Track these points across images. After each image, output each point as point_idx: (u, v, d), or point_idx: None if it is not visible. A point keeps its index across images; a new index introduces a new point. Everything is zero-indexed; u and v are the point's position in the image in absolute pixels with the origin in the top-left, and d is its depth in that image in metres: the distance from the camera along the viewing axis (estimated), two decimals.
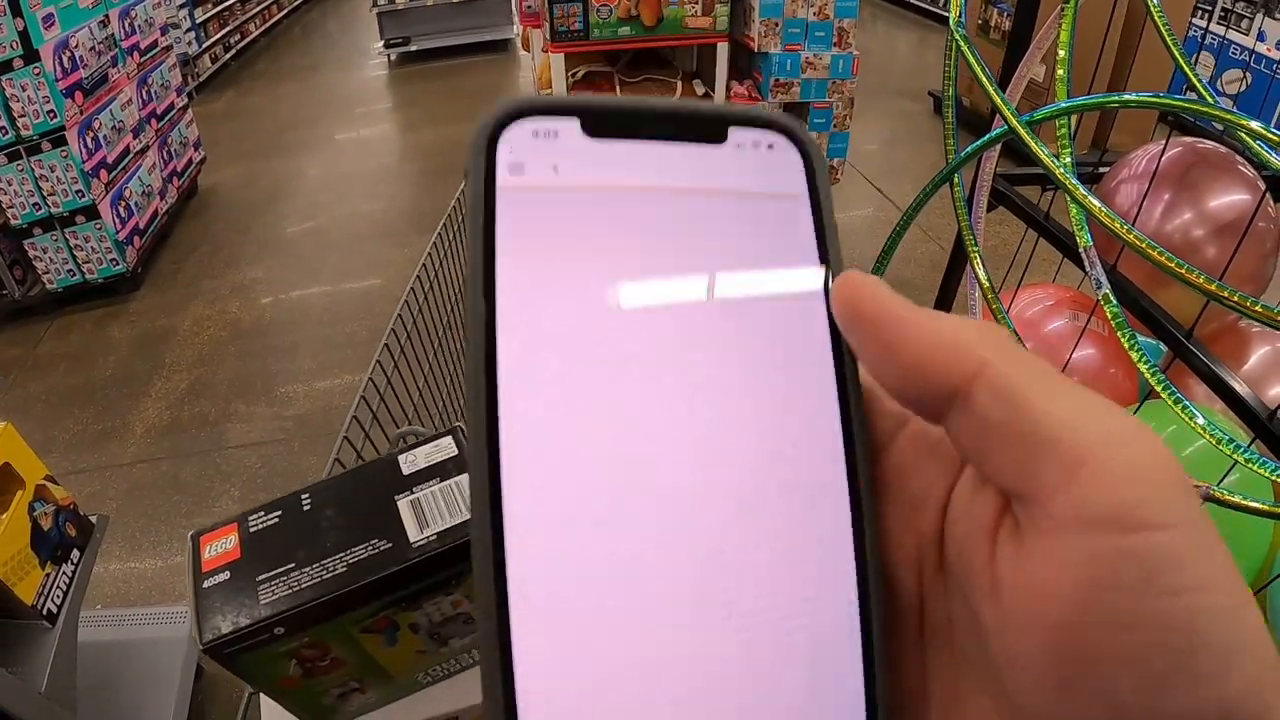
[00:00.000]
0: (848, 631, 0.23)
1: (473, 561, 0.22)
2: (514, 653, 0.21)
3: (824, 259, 0.26)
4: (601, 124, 0.24)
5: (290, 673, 0.62)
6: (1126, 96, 1.22)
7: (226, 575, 0.59)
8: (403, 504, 0.59)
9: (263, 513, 0.61)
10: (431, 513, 0.58)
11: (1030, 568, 0.20)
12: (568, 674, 0.21)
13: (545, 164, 0.24)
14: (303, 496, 0.61)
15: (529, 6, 3.95)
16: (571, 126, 0.24)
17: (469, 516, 0.54)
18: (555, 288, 0.23)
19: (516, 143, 0.24)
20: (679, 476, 0.23)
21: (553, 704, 0.21)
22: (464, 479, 0.60)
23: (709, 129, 0.26)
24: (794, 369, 0.25)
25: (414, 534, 0.57)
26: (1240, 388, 1.20)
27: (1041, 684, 0.19)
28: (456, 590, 0.60)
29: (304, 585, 0.56)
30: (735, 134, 0.26)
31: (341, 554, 0.57)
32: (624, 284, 0.24)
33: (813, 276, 0.26)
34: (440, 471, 0.60)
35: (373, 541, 0.57)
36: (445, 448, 0.62)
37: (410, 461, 0.61)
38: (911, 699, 0.24)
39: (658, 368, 0.23)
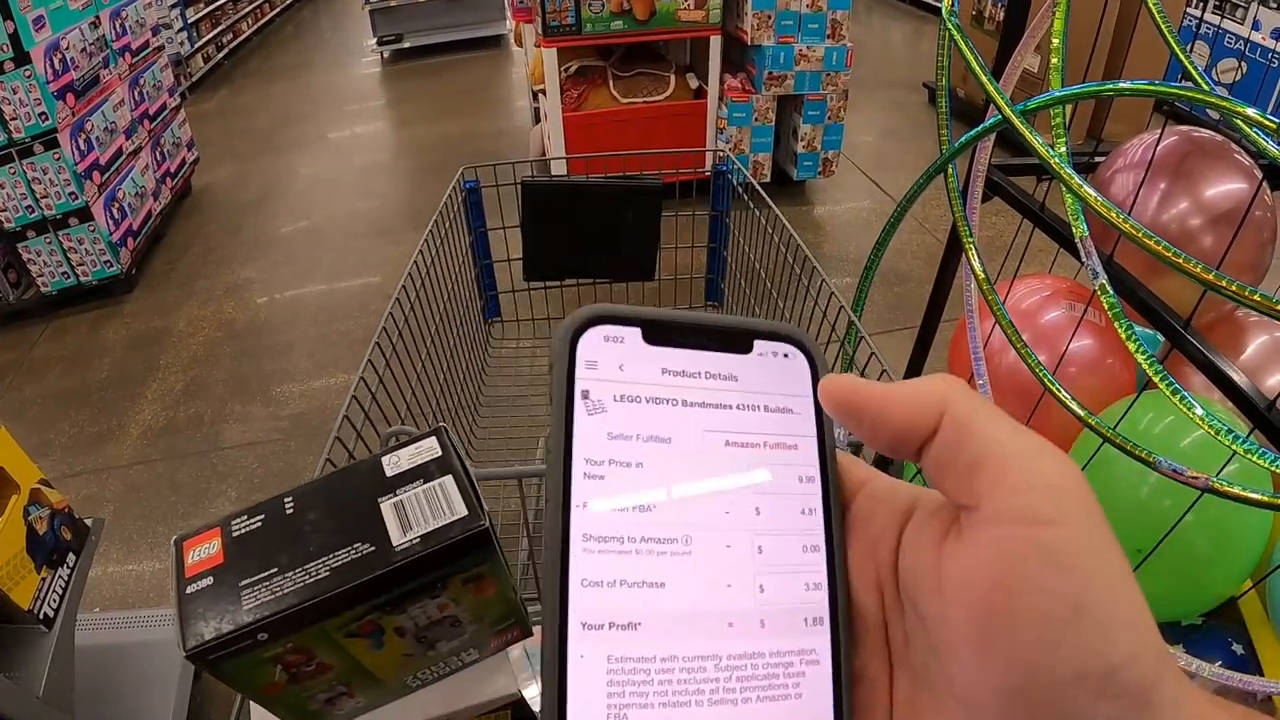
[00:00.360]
0: (825, 650, 0.30)
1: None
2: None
3: (819, 432, 0.33)
4: (657, 333, 0.31)
5: (275, 678, 0.61)
6: (1121, 84, 1.21)
7: (210, 581, 0.58)
8: (386, 506, 0.58)
9: (245, 517, 0.60)
10: (415, 515, 0.57)
11: (963, 556, 0.26)
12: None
13: (613, 363, 0.30)
14: (285, 500, 0.60)
15: (521, 2, 3.95)
16: (634, 333, 0.31)
17: (454, 519, 0.53)
18: (619, 456, 0.29)
19: (592, 344, 0.30)
20: (714, 566, 0.30)
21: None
22: (447, 480, 0.59)
23: (739, 340, 0.33)
24: (794, 484, 0.32)
25: (397, 537, 0.56)
26: (1238, 377, 1.19)
27: (968, 652, 0.25)
28: (442, 594, 0.59)
29: (287, 590, 0.55)
30: (759, 345, 0.33)
31: (324, 558, 0.56)
32: (674, 453, 0.30)
33: (810, 439, 0.33)
34: (423, 473, 0.59)
35: (355, 545, 0.56)
36: (429, 449, 0.60)
37: (394, 463, 0.60)
38: (878, 711, 0.30)
39: (699, 498, 0.30)
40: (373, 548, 0.56)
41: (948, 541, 0.27)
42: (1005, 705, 0.24)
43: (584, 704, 0.26)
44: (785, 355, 0.33)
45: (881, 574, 0.31)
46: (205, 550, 0.60)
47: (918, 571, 0.28)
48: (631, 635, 0.27)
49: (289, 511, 0.59)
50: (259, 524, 0.60)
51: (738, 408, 0.32)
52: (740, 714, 0.28)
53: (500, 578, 0.61)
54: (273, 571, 0.56)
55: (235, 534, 0.60)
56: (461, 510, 0.57)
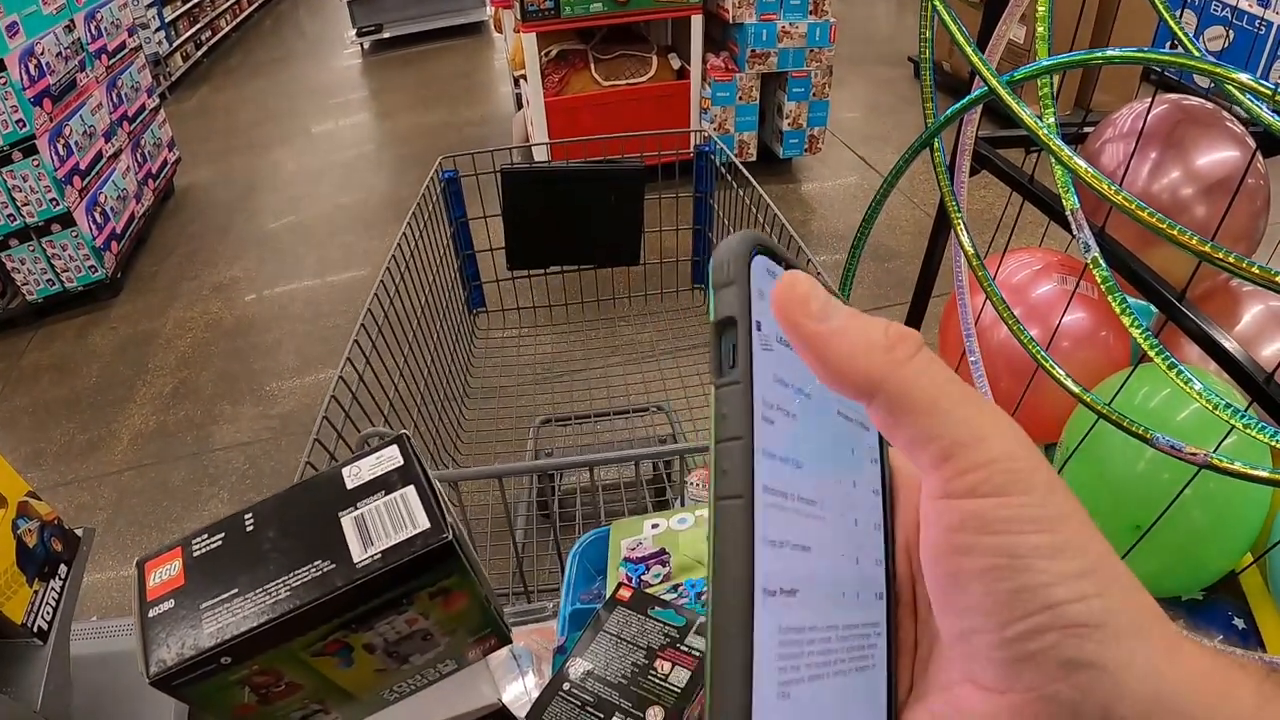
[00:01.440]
0: (883, 622, 0.31)
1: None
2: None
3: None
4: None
5: (245, 700, 0.58)
6: (1110, 52, 1.17)
7: (171, 604, 0.55)
8: (346, 521, 0.55)
9: (206, 535, 0.58)
10: (375, 530, 0.54)
11: (926, 518, 0.27)
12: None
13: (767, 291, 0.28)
14: (245, 517, 0.57)
15: None
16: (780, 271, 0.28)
17: (415, 533, 0.50)
18: (781, 403, 0.27)
19: (759, 274, 0.27)
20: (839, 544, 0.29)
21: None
22: (409, 491, 0.56)
23: None
24: (870, 464, 0.33)
25: (358, 554, 0.53)
26: (1235, 349, 1.17)
27: (939, 601, 0.28)
28: (409, 608, 0.56)
29: (248, 612, 0.53)
30: None
31: (284, 577, 0.53)
32: (813, 410, 0.29)
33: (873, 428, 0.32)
34: (385, 484, 0.56)
35: (315, 563, 0.53)
36: (389, 458, 0.58)
37: (354, 474, 0.57)
38: (908, 662, 0.32)
39: (831, 463, 0.30)
40: (333, 565, 0.53)
41: (925, 504, 0.28)
42: (966, 644, 0.27)
43: (766, 681, 0.24)
44: None
45: (910, 542, 0.33)
46: (167, 571, 0.57)
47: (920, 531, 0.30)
48: (790, 602, 0.26)
49: (249, 529, 0.57)
50: (219, 543, 0.57)
51: None
52: (850, 684, 0.28)
53: (470, 588, 0.58)
54: (233, 593, 0.54)
55: (196, 554, 0.57)
56: (424, 523, 0.54)
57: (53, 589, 1.62)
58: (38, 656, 1.54)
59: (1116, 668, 0.25)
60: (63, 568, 1.66)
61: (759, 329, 0.27)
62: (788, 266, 0.29)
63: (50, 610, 1.61)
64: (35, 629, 1.53)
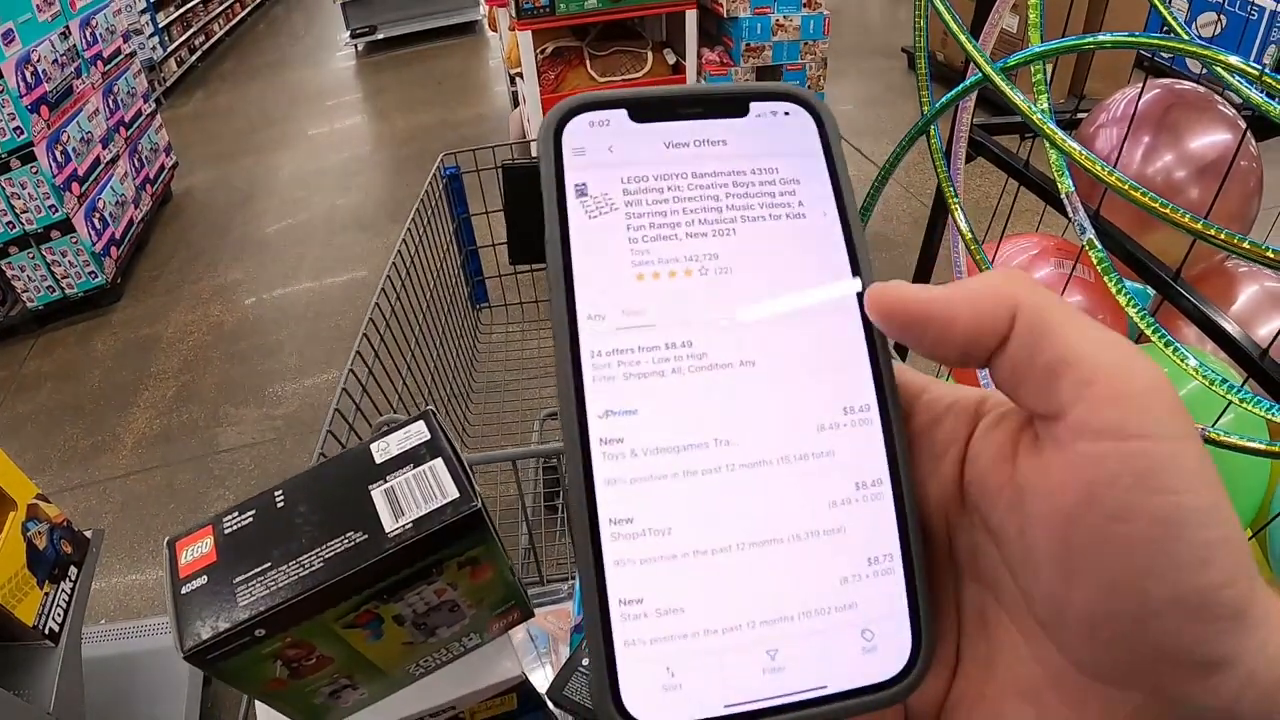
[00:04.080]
0: (896, 555, 0.28)
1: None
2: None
3: (841, 210, 0.30)
4: (644, 111, 0.29)
5: (277, 674, 0.60)
6: (1102, 37, 1.19)
7: (204, 580, 0.57)
8: (377, 493, 0.57)
9: (237, 513, 0.60)
10: (406, 501, 0.56)
11: (1046, 471, 0.24)
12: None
13: (602, 145, 0.29)
14: (276, 494, 0.59)
15: None
16: (620, 115, 0.29)
17: (445, 502, 0.52)
18: (617, 244, 0.28)
19: (577, 132, 0.29)
20: (739, 429, 0.27)
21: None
22: (437, 463, 0.58)
23: (733, 106, 0.30)
24: (828, 331, 0.29)
25: (389, 524, 0.55)
26: (1230, 327, 1.19)
27: (1053, 571, 0.23)
28: (439, 579, 0.58)
29: (281, 584, 0.54)
30: (755, 107, 0.31)
31: (317, 549, 0.55)
32: (676, 243, 0.29)
33: (833, 234, 0.30)
34: (414, 457, 0.58)
35: (348, 534, 0.55)
36: (417, 433, 0.60)
37: (383, 449, 0.59)
38: (949, 625, 0.28)
39: (713, 323, 0.28)
40: (365, 535, 0.55)
41: (1024, 453, 0.25)
42: (1091, 628, 0.23)
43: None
44: (786, 114, 0.31)
45: (947, 491, 0.28)
46: (198, 549, 0.59)
47: (987, 483, 0.26)
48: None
49: (280, 505, 0.59)
50: (250, 519, 0.59)
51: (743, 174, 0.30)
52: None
53: (497, 560, 0.60)
54: (266, 566, 0.56)
55: (227, 531, 0.59)
56: (453, 493, 0.56)
57: (63, 591, 1.64)
58: (50, 658, 1.56)
59: (1251, 662, 0.22)
60: (73, 570, 1.68)
61: (582, 193, 0.28)
62: (626, 104, 0.29)
63: (61, 612, 1.63)
64: (47, 631, 1.55)
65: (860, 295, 0.29)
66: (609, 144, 0.29)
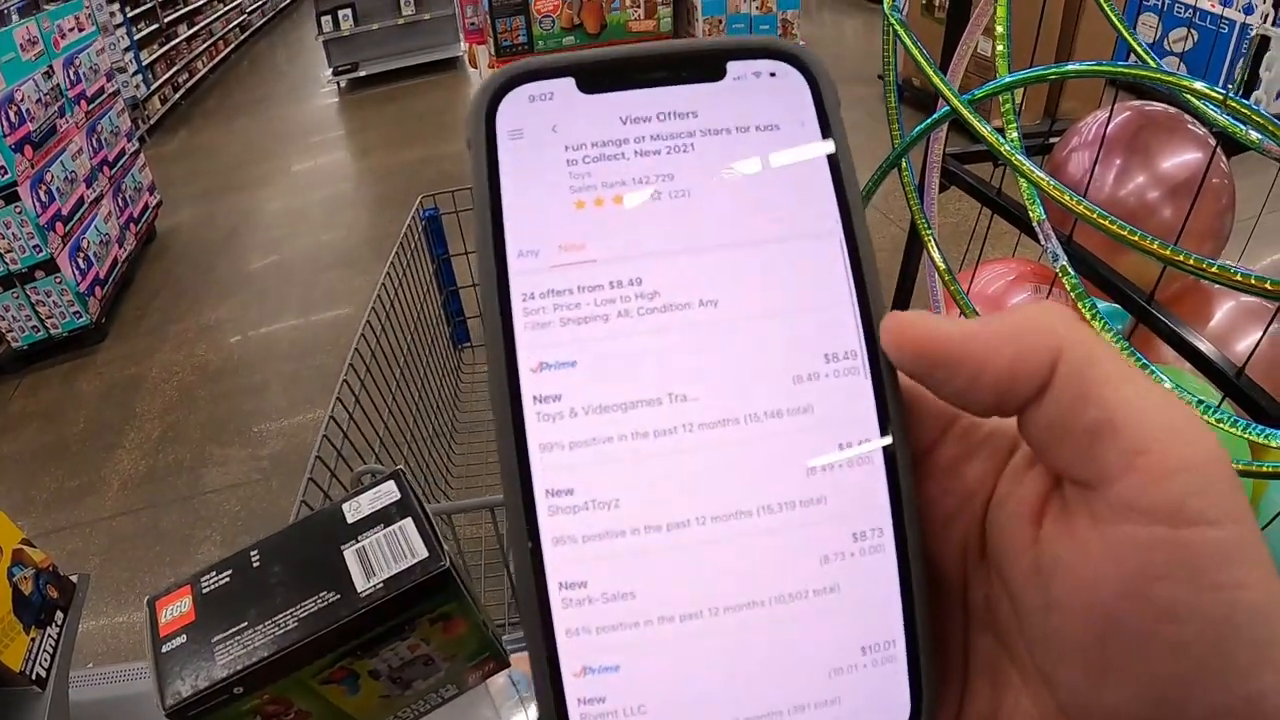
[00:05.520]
0: (893, 611, 0.24)
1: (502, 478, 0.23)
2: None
3: (838, 186, 0.25)
4: (596, 79, 0.25)
5: None
6: (1068, 67, 1.22)
7: (184, 639, 0.57)
8: (349, 553, 0.58)
9: (214, 573, 0.60)
10: (377, 560, 0.57)
11: (1081, 551, 0.20)
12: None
13: (544, 125, 0.24)
14: (251, 554, 0.60)
15: (472, 24, 3.95)
16: (567, 85, 0.24)
17: (415, 561, 0.53)
18: (563, 244, 0.24)
19: (514, 109, 0.24)
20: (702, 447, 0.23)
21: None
22: (407, 523, 0.59)
23: (705, 67, 0.25)
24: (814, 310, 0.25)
25: (361, 583, 0.56)
26: (1205, 347, 1.20)
27: (1083, 666, 0.20)
28: (411, 635, 0.58)
29: (258, 644, 0.55)
30: (734, 68, 0.25)
31: (292, 609, 0.55)
32: (631, 237, 0.24)
33: (829, 208, 0.25)
34: (384, 517, 0.59)
35: (321, 594, 0.56)
36: (387, 492, 0.60)
37: (355, 509, 0.60)
38: (954, 676, 0.25)
39: (674, 333, 0.24)
40: (338, 595, 0.56)
41: (1052, 518, 0.22)
42: None
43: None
44: (772, 75, 0.25)
45: (968, 535, 0.25)
46: (177, 609, 0.59)
47: (1007, 541, 0.23)
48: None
49: (255, 565, 0.59)
50: (227, 579, 0.59)
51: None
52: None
53: (469, 614, 0.60)
54: (243, 625, 0.56)
55: (205, 590, 0.59)
56: (422, 552, 0.57)
57: (50, 636, 1.62)
58: (37, 704, 1.54)
59: None
60: (59, 614, 1.66)
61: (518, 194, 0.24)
62: (574, 71, 0.25)
63: (48, 657, 1.61)
64: (34, 676, 1.53)
65: (849, 234, 0.25)
66: (552, 123, 0.24)
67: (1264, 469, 1.01)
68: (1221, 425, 1.08)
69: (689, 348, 0.24)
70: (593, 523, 0.23)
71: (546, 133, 0.24)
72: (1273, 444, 0.96)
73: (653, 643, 0.22)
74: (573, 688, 0.22)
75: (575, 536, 0.22)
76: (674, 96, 0.25)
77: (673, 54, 0.25)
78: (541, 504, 0.23)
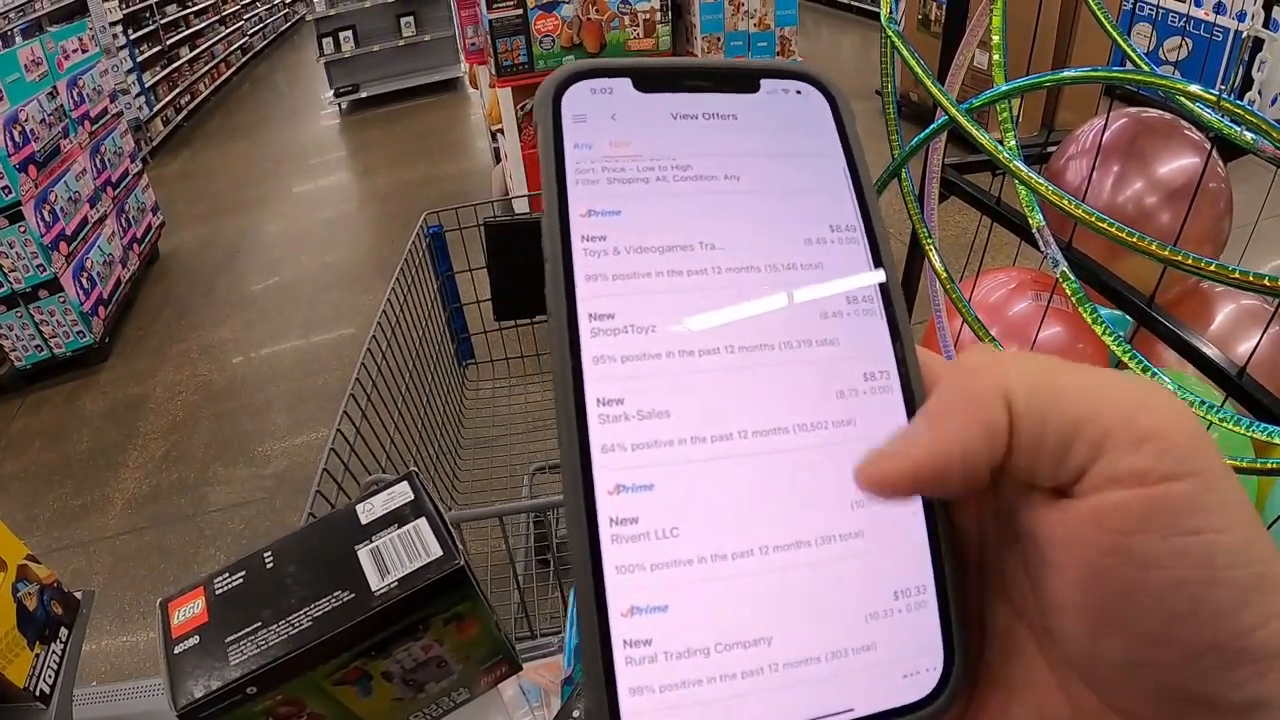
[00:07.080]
0: (923, 562, 0.26)
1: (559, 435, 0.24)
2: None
3: (856, 184, 0.30)
4: (650, 80, 0.28)
5: None
6: (1064, 74, 1.23)
7: (196, 640, 0.58)
8: (363, 553, 0.58)
9: (227, 574, 0.60)
10: (391, 560, 0.57)
11: (1066, 522, 0.22)
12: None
13: (604, 113, 0.27)
14: (265, 554, 0.60)
15: (473, 44, 3.97)
16: (625, 84, 0.28)
17: (429, 560, 0.53)
18: (620, 218, 0.27)
19: (578, 98, 0.27)
20: (745, 421, 0.26)
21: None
22: (421, 523, 0.59)
23: (743, 81, 0.29)
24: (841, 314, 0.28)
25: (375, 583, 0.56)
26: (1207, 349, 1.20)
27: (1079, 621, 0.22)
28: (425, 635, 0.59)
29: (271, 643, 0.55)
30: (766, 84, 0.29)
31: (306, 609, 0.56)
32: (680, 217, 0.27)
33: (846, 207, 0.29)
34: (398, 518, 0.59)
35: (335, 594, 0.56)
36: (401, 494, 0.61)
37: (369, 510, 0.60)
38: (973, 639, 0.26)
39: (715, 302, 0.26)
40: (352, 595, 0.56)
41: (1040, 506, 0.23)
42: (1124, 675, 0.22)
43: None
44: (799, 93, 0.30)
45: (983, 498, 0.26)
46: (190, 610, 0.60)
47: (1014, 516, 0.24)
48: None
49: (269, 565, 0.59)
50: (240, 580, 0.60)
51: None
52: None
53: (482, 615, 0.61)
54: (256, 626, 0.56)
55: (218, 592, 0.60)
56: (437, 551, 0.57)
57: (54, 652, 1.62)
58: None
59: None
60: (63, 631, 1.66)
61: (579, 150, 0.27)
62: (627, 72, 0.28)
63: (52, 674, 1.60)
64: (38, 692, 1.53)
65: (883, 287, 0.28)
66: (612, 112, 0.27)
67: (1268, 466, 1.02)
68: (1225, 424, 1.08)
69: (732, 291, 0.27)
70: (644, 434, 0.25)
71: (606, 119, 0.27)
72: (1276, 441, 0.96)
73: (699, 581, 0.24)
74: (619, 628, 0.23)
75: (626, 445, 0.24)
76: (717, 101, 0.29)
77: (718, 68, 0.29)
78: (592, 412, 0.24)
